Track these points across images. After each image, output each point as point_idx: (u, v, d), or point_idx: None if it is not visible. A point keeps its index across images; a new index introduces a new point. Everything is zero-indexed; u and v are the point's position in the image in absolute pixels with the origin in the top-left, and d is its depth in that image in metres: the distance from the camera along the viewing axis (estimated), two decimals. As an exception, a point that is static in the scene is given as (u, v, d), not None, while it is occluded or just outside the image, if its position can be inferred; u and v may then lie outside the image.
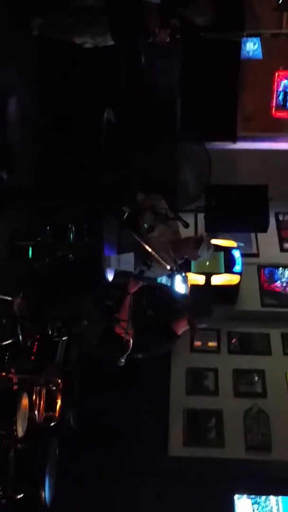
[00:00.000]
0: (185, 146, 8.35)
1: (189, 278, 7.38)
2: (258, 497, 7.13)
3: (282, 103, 9.57)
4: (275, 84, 9.46)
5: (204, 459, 7.28)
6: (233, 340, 8.46)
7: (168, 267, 5.99)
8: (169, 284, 7.10)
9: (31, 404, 5.06)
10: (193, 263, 8.04)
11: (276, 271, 9.06)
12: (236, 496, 7.09)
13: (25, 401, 4.74)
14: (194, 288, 7.60)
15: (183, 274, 6.66)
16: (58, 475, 5.35)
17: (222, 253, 8.31)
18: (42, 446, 5.22)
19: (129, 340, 5.28)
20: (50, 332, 5.37)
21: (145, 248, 5.70)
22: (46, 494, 5.02)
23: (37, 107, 7.00)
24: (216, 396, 7.89)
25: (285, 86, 9.49)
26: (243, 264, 8.36)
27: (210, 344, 8.38)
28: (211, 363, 8.19)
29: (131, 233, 5.78)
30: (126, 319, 5.57)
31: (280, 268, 9.07)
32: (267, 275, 9.01)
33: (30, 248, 5.59)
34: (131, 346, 5.27)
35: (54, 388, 5.50)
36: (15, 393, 4.77)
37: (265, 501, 7.12)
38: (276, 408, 7.72)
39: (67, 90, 7.21)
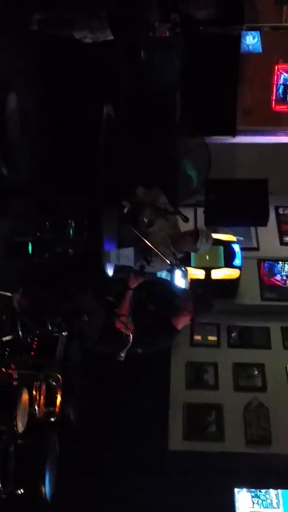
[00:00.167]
0: (184, 141, 8.35)
1: (189, 272, 7.39)
2: (258, 490, 7.15)
3: (282, 96, 9.57)
4: (275, 77, 9.45)
5: (204, 453, 7.29)
6: (233, 334, 8.46)
7: (168, 262, 6.00)
8: (169, 279, 7.11)
9: (31, 400, 5.05)
10: (192, 258, 8.06)
11: (276, 264, 9.06)
12: (236, 490, 7.12)
13: (25, 397, 4.74)
14: (194, 282, 7.62)
15: (183, 268, 6.67)
16: (59, 470, 5.35)
17: (222, 247, 8.30)
18: (42, 442, 5.20)
19: (129, 335, 5.29)
20: (50, 328, 5.38)
21: (145, 242, 5.71)
22: (47, 489, 5.01)
23: (37, 103, 7.00)
24: (216, 390, 7.91)
25: (285, 80, 9.48)
26: (243, 258, 8.36)
27: (210, 338, 8.39)
28: (211, 357, 8.20)
29: (131, 228, 5.79)
30: (126, 314, 5.59)
31: (280, 262, 9.07)
32: (267, 269, 9.01)
33: (30, 244, 5.59)
34: (131, 341, 5.28)
35: (54, 383, 5.49)
36: (15, 388, 4.77)
37: (265, 495, 7.14)
38: (276, 402, 7.73)
39: (67, 86, 7.20)
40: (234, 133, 9.30)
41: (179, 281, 7.11)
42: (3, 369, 5.13)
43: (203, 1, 7.62)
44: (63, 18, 6.69)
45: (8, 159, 4.91)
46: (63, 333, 5.59)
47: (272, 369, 8.05)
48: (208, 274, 8.17)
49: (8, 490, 4.73)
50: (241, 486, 7.15)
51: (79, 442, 6.62)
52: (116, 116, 5.71)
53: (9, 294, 5.25)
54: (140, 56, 6.98)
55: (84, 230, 5.69)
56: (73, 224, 5.70)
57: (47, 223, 5.73)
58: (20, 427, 4.59)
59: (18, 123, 5.02)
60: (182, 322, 6.12)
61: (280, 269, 9.02)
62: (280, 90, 9.51)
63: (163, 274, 7.15)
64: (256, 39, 9.07)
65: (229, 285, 8.42)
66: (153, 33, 7.14)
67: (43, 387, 5.38)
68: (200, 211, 8.08)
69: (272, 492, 7.15)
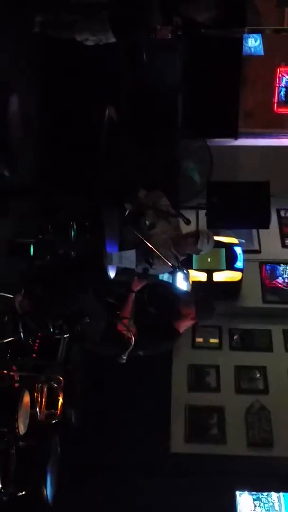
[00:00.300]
0: (186, 143, 8.35)
1: (191, 275, 7.39)
2: (260, 493, 7.13)
3: (284, 99, 9.57)
4: (277, 80, 9.45)
5: (206, 455, 7.28)
6: (235, 337, 8.45)
7: (170, 264, 6.00)
8: (171, 281, 7.12)
9: (33, 402, 5.07)
10: (194, 260, 8.06)
11: (278, 267, 9.04)
12: (238, 493, 7.09)
13: (26, 399, 4.75)
14: (196, 285, 7.62)
15: (185, 271, 6.67)
16: (60, 472, 5.35)
17: (223, 250, 8.30)
18: (44, 443, 5.22)
19: (131, 338, 5.29)
20: (51, 330, 5.38)
21: (146, 245, 5.71)
22: (48, 491, 5.02)
23: (39, 104, 7.01)
24: (218, 392, 7.89)
25: (286, 82, 9.48)
26: (244, 260, 8.36)
27: (212, 340, 8.37)
28: (213, 359, 8.18)
29: (132, 230, 5.79)
30: (128, 316, 5.59)
31: (282, 265, 9.05)
32: (268, 272, 9.00)
33: (32, 246, 5.60)
34: (133, 343, 5.28)
35: (55, 385, 5.50)
36: (16, 390, 4.79)
37: (267, 498, 7.12)
38: (278, 404, 7.71)
39: (69, 88, 7.21)
40: (236, 136, 9.30)
41: (181, 283, 7.11)
42: (5, 371, 5.15)
43: (204, 4, 7.63)
44: (64, 20, 6.70)
45: (10, 161, 4.91)
46: (65, 335, 5.60)
47: (274, 371, 8.04)
48: (210, 276, 8.17)
49: (9, 491, 4.74)
50: (243, 488, 7.13)
51: (81, 444, 6.63)
52: (118, 118, 5.71)
53: (10, 295, 5.26)
54: (142, 58, 6.98)
55: (86, 232, 5.70)
56: (75, 226, 5.70)
57: (49, 225, 5.73)
58: (22, 429, 4.60)
59: (20, 125, 5.03)
60: (184, 325, 6.12)
61: (282, 272, 9.01)
62: (282, 93, 9.51)
63: (165, 277, 7.16)
64: (258, 42, 9.08)
65: (231, 288, 8.41)
66: (155, 35, 7.14)
67: (45, 389, 5.40)
68: (202, 213, 8.07)
69: (274, 495, 7.13)
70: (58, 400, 5.47)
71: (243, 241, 8.95)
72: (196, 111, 8.46)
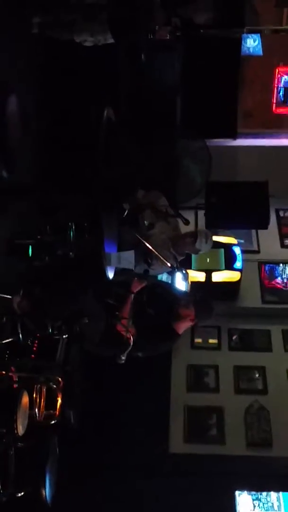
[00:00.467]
0: (185, 143, 8.34)
1: (189, 275, 7.39)
2: (259, 493, 7.15)
3: (282, 99, 9.55)
4: (276, 80, 9.43)
5: (205, 455, 7.29)
6: (234, 337, 8.46)
7: (169, 265, 5.99)
8: (169, 282, 7.11)
9: (32, 402, 5.06)
10: (193, 260, 8.06)
11: (277, 267, 9.05)
12: (237, 493, 7.11)
13: (25, 399, 4.75)
14: (195, 285, 7.62)
15: (184, 271, 6.66)
16: (59, 473, 5.35)
17: (222, 250, 8.31)
18: (43, 444, 5.22)
19: (130, 338, 5.29)
20: (50, 330, 5.38)
21: (145, 245, 5.70)
22: (47, 492, 5.02)
23: (38, 105, 7.00)
24: (217, 393, 7.91)
25: (285, 82, 9.46)
26: (243, 260, 8.37)
27: (211, 341, 8.39)
28: (212, 360, 8.20)
29: (131, 231, 5.78)
30: (127, 317, 5.58)
31: (281, 265, 9.07)
32: (267, 272, 9.01)
33: (30, 247, 5.59)
34: (131, 344, 5.27)
35: (54, 386, 5.50)
36: (15, 391, 4.78)
37: (266, 498, 7.13)
38: (277, 404, 7.73)
39: (67, 88, 7.21)
40: (234, 136, 9.29)
41: (180, 283, 7.10)
42: (4, 372, 5.14)
43: (203, 4, 7.63)
44: (63, 21, 6.70)
45: (8, 160, 4.91)
46: (64, 336, 5.59)
47: (273, 371, 8.05)
48: (209, 276, 8.18)
49: (8, 492, 4.73)
50: (242, 488, 7.14)
51: (80, 445, 6.63)
52: (116, 119, 5.70)
53: (9, 296, 5.25)
54: (141, 59, 6.97)
55: (85, 232, 5.69)
56: (73, 226, 5.70)
57: (48, 226, 5.72)
58: (21, 430, 4.59)
59: (19, 125, 5.02)
60: (183, 326, 6.12)
61: (281, 272, 9.02)
62: (281, 93, 9.49)
63: (164, 277, 7.15)
64: (256, 42, 9.07)
65: (230, 288, 8.42)
66: (154, 36, 7.13)
67: (44, 389, 5.39)
68: (201, 213, 8.07)
69: (273, 495, 7.14)
70: (57, 401, 5.46)
71: (242, 241, 8.96)
72: (195, 111, 8.45)
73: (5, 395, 4.67)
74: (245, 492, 7.12)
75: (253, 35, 8.96)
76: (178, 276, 6.81)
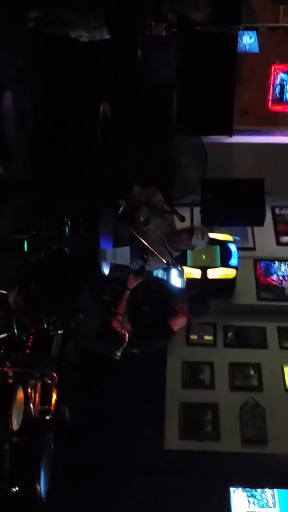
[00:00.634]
0: (181, 140, 8.35)
1: (185, 271, 7.39)
2: (254, 490, 7.13)
3: (278, 96, 9.55)
4: (272, 77, 9.43)
5: (200, 452, 7.28)
6: (229, 334, 8.45)
7: (164, 261, 5.99)
8: (165, 278, 7.11)
9: (26, 398, 5.06)
10: (189, 257, 8.04)
11: (272, 264, 9.05)
12: (232, 489, 7.09)
13: (20, 395, 4.74)
14: (190, 282, 7.62)
15: (179, 267, 6.66)
16: (54, 469, 5.35)
17: (218, 247, 8.28)
18: (38, 440, 5.22)
19: (125, 334, 5.29)
20: (45, 326, 5.38)
21: (141, 241, 5.70)
22: (42, 487, 5.02)
23: (34, 101, 6.99)
24: (212, 389, 7.89)
25: (281, 80, 9.46)
26: (239, 257, 8.35)
27: (206, 337, 8.38)
28: (207, 356, 8.18)
29: (127, 227, 5.78)
30: (123, 313, 5.58)
31: (276, 262, 9.06)
32: (263, 269, 9.01)
33: (26, 242, 5.58)
34: (127, 340, 5.28)
35: (49, 381, 5.50)
36: (10, 386, 4.77)
37: (261, 494, 7.13)
38: (272, 401, 7.73)
39: (63, 84, 7.20)
40: (230, 133, 9.28)
41: (175, 280, 7.11)
42: (-2, 367, 5.14)
43: (200, 1, 7.62)
44: (59, 16, 6.68)
45: (4, 156, 4.90)
46: (59, 332, 5.59)
47: (268, 369, 8.04)
48: (204, 273, 8.16)
49: (3, 488, 4.73)
50: (237, 485, 7.13)
51: (74, 441, 6.62)
52: (112, 115, 5.70)
53: (4, 292, 5.25)
54: (137, 55, 6.95)
55: (80, 228, 5.68)
56: (69, 222, 5.69)
57: (43, 221, 5.72)
58: (15, 425, 4.59)
59: (14, 121, 5.01)
60: (179, 323, 6.13)
61: (276, 269, 9.01)
62: (277, 90, 9.49)
63: (159, 273, 7.15)
64: (253, 39, 9.08)
65: (225, 285, 8.41)
66: (150, 32, 7.12)
67: (39, 385, 5.39)
68: (197, 210, 8.08)
69: (268, 491, 7.13)
70: (52, 396, 5.47)
71: (238, 238, 8.95)
72: (191, 108, 8.45)
73: (0, 390, 4.67)
74: (240, 488, 7.12)
75: (249, 32, 8.97)
76: (174, 272, 6.83)
